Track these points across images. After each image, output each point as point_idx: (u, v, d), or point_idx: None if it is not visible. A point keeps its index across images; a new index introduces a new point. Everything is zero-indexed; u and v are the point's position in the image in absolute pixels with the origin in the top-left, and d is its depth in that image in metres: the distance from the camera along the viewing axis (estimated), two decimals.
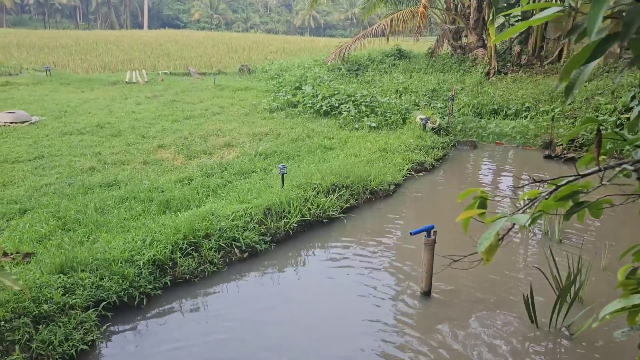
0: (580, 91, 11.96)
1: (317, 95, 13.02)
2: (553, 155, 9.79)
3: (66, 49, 27.73)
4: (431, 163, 9.02)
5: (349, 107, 12.10)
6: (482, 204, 1.52)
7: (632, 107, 10.15)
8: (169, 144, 9.52)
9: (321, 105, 12.54)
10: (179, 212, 6.13)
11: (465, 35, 18.59)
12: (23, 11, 72.77)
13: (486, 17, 16.39)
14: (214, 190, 7.06)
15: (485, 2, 16.29)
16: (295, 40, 43.09)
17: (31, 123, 11.05)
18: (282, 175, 6.60)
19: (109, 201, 6.50)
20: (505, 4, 17.86)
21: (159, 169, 8.12)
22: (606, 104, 10.83)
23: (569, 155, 9.61)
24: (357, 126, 11.26)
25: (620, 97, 10.69)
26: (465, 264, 2.65)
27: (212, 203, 6.31)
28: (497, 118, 12.26)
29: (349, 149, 9.38)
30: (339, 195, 6.85)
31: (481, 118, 12.28)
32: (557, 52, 15.91)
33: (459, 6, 20.05)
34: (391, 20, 18.08)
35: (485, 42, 18.10)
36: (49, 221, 5.82)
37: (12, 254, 4.97)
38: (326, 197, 6.74)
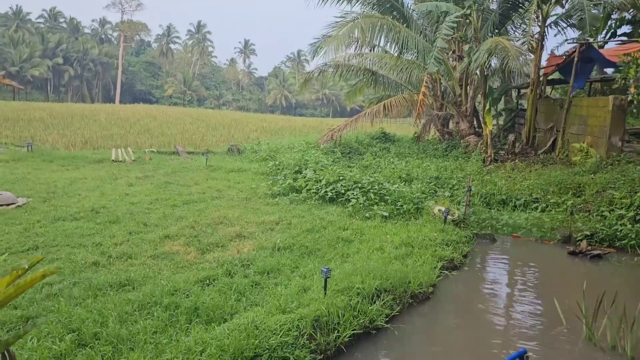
0: (590, 184, 11.90)
1: (320, 181, 12.58)
2: (577, 251, 9.44)
3: (42, 123, 26.95)
4: (460, 260, 8.52)
5: (356, 195, 11.66)
6: None
7: None
8: (176, 234, 8.77)
9: (326, 192, 12.07)
10: (212, 324, 5.37)
11: (457, 122, 18.80)
12: None
13: (482, 106, 16.61)
14: (242, 293, 6.31)
15: (481, 93, 16.58)
16: (273, 119, 43.44)
17: (18, 206, 10.15)
18: (326, 279, 5.94)
19: (126, 307, 5.68)
20: (499, 95, 18.30)
21: (172, 265, 7.35)
22: (621, 198, 10.70)
23: (595, 253, 9.28)
24: (367, 215, 10.78)
25: (637, 192, 10.58)
26: None
27: (250, 312, 5.56)
28: (506, 209, 12.00)
29: (370, 243, 8.82)
30: (384, 301, 6.20)
31: (490, 208, 12.00)
32: (550, 142, 16.12)
33: (446, 93, 20.47)
34: (384, 105, 18.20)
35: (477, 129, 18.32)
36: (62, 336, 4.95)
37: None
38: (371, 303, 6.09)
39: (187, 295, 6.14)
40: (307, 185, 12.59)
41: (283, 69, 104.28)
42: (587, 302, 6.04)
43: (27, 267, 3.34)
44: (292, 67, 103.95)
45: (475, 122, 18.38)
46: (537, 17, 14.42)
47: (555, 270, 8.84)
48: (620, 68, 10.36)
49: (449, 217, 9.98)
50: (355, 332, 5.55)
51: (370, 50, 21.34)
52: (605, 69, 18.87)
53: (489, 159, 15.73)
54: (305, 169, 13.86)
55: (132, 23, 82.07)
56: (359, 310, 5.84)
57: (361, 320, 5.73)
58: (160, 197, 11.66)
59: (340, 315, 5.58)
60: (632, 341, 5.59)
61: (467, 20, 14.78)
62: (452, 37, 14.90)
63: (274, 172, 14.76)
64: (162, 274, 6.93)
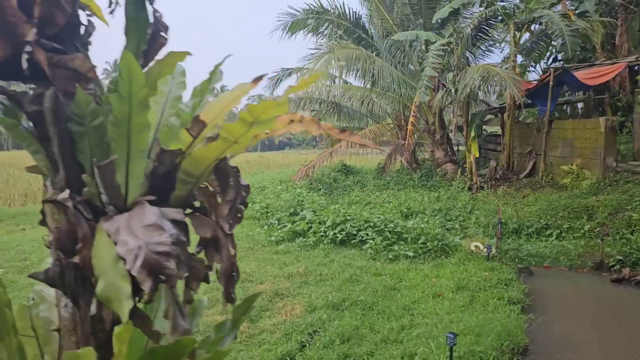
0: (598, 206, 11.83)
1: (324, 222, 11.68)
2: (621, 278, 9.14)
3: None
4: (525, 300, 7.90)
5: (371, 235, 10.87)
6: None
7: None
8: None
9: (335, 234, 11.19)
10: None
11: (431, 151, 18.59)
12: None
13: (465, 133, 16.46)
14: None
15: (463, 120, 16.46)
16: None
17: None
18: (451, 347, 5.08)
19: None
20: (480, 121, 18.33)
21: None
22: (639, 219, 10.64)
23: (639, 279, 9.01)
24: (391, 257, 10.01)
25: None
26: None
27: None
28: (520, 237, 11.65)
29: (419, 289, 8.06)
30: None
31: (505, 238, 11.60)
32: (530, 166, 16.19)
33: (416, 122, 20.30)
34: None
35: (452, 157, 18.19)
36: None
37: None
38: None
39: None
40: (310, 228, 11.65)
41: None
42: None
43: None
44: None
45: (449, 150, 18.26)
46: (515, 43, 14.58)
47: (624, 302, 8.45)
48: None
49: (484, 253, 9.41)
50: None
51: (332, 82, 20.90)
52: (576, 92, 19.59)
53: (475, 186, 15.50)
54: (301, 210, 12.90)
55: None
56: None
57: None
58: None
59: None
60: None
61: (448, 49, 14.71)
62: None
63: (263, 216, 13.67)
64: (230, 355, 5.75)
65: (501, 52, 17.60)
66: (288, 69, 20.60)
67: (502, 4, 14.70)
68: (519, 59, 20.25)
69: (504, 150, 16.76)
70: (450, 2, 15.31)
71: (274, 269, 9.23)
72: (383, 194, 15.91)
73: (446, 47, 14.22)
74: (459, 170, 16.89)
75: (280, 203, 13.76)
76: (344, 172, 21.87)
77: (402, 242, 10.62)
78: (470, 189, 15.57)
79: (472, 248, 9.64)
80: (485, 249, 9.36)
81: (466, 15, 16.08)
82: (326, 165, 19.76)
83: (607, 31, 19.52)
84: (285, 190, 15.87)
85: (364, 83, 20.02)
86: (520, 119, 19.96)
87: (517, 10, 14.53)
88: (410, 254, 10.00)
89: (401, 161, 21.30)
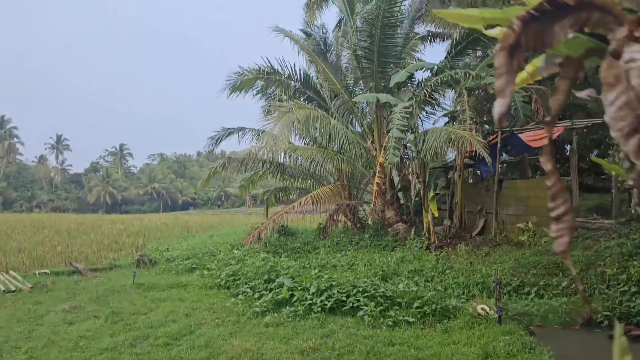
0: (574, 259, 12.26)
1: (307, 289, 11.06)
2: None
3: None
4: None
5: (363, 301, 10.41)
6: None
7: None
8: None
9: (323, 301, 10.59)
10: None
11: (382, 211, 18.63)
12: None
13: (423, 192, 16.65)
14: None
15: (419, 181, 16.71)
16: (127, 219, 39.41)
17: None
18: None
19: None
20: (437, 182, 18.72)
21: None
22: (614, 274, 11.11)
23: (636, 333, 9.29)
24: (389, 323, 9.60)
25: (627, 267, 11.09)
26: None
27: None
28: (502, 297, 11.72)
29: (445, 357, 7.74)
30: None
31: (487, 298, 11.63)
32: (481, 225, 16.70)
33: (353, 181, 20.39)
34: (312, 197, 17.40)
35: (403, 217, 18.37)
36: None
37: None
38: None
39: None
40: (293, 296, 10.96)
41: (102, 163, 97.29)
42: None
43: None
44: (113, 161, 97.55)
45: (399, 210, 18.42)
46: (468, 107, 15.25)
47: None
48: None
49: (492, 316, 9.29)
50: None
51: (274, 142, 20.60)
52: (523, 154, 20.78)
53: (434, 245, 15.63)
54: (276, 276, 12.15)
55: None
56: None
57: None
58: (136, 335, 9.03)
59: None
60: None
61: (409, 111, 15.05)
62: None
63: (232, 285, 12.69)
64: None
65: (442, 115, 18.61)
66: (229, 128, 20.08)
67: (452, 71, 15.44)
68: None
69: (455, 209, 17.18)
70: (404, 68, 15.90)
71: (279, 344, 8.44)
72: (345, 255, 15.53)
73: (409, 109, 14.56)
74: (413, 229, 17.01)
75: (249, 270, 12.89)
76: (283, 234, 21.30)
77: (397, 307, 10.24)
78: (428, 248, 15.66)
79: (479, 311, 9.49)
80: (494, 312, 9.23)
81: (419, 80, 16.76)
82: (270, 227, 19.14)
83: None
84: (247, 256, 14.96)
85: (308, 143, 20.05)
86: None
87: (467, 77, 15.30)
88: (410, 319, 9.65)
89: (345, 221, 21.20)
